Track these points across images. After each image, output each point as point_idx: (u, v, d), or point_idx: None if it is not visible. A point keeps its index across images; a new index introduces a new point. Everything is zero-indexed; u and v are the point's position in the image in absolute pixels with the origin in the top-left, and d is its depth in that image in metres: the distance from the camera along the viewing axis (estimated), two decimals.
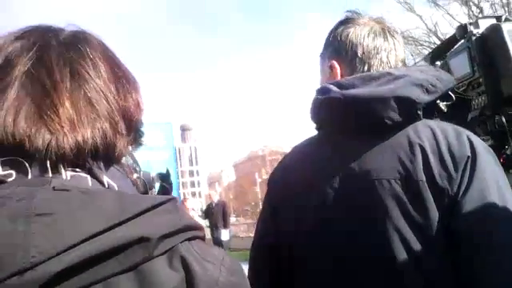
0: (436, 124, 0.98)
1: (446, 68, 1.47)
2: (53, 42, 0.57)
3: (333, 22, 1.13)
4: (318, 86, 1.08)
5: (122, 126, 0.58)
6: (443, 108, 1.02)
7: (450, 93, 1.02)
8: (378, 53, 1.05)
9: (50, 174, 0.51)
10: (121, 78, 0.60)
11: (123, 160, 0.61)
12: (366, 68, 1.05)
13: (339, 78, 1.06)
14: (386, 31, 1.08)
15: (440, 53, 1.61)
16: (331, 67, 1.09)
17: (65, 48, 0.57)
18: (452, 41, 1.55)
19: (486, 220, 0.88)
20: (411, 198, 0.91)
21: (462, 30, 1.43)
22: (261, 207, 1.24)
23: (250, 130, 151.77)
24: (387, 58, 1.06)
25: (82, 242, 0.44)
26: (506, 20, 1.38)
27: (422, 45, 12.91)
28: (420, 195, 0.90)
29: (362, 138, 0.99)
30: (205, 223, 9.89)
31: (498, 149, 1.23)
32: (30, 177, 0.51)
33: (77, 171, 0.53)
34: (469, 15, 11.74)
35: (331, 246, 0.97)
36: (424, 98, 0.95)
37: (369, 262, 0.93)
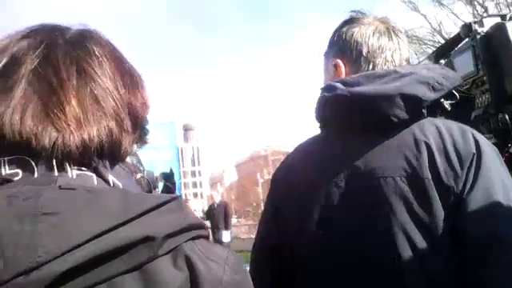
0: (441, 122, 0.98)
1: (450, 66, 1.47)
2: (59, 40, 0.57)
3: (333, 21, 1.14)
4: (322, 85, 1.08)
5: (127, 124, 0.58)
6: (447, 106, 1.02)
7: (454, 91, 1.01)
8: (382, 52, 1.06)
9: (56, 173, 0.51)
10: (127, 75, 0.60)
11: (128, 159, 0.61)
12: (370, 67, 1.05)
13: (343, 76, 1.06)
14: (390, 31, 1.08)
15: (444, 51, 1.61)
16: (336, 66, 1.09)
17: (71, 46, 0.57)
18: (456, 39, 1.55)
19: (491, 219, 0.88)
20: (417, 195, 0.90)
21: (467, 28, 1.43)
22: (262, 208, 1.24)
23: (253, 130, 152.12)
24: (392, 56, 1.06)
25: (87, 241, 0.44)
26: (511, 19, 1.38)
27: (426, 44, 12.94)
28: (426, 193, 0.90)
29: (367, 135, 0.99)
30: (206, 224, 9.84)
31: (501, 147, 1.23)
32: (36, 175, 0.51)
33: (82, 170, 0.53)
34: (473, 14, 11.73)
35: (337, 246, 0.96)
36: (430, 95, 0.95)
37: (373, 261, 0.92)
